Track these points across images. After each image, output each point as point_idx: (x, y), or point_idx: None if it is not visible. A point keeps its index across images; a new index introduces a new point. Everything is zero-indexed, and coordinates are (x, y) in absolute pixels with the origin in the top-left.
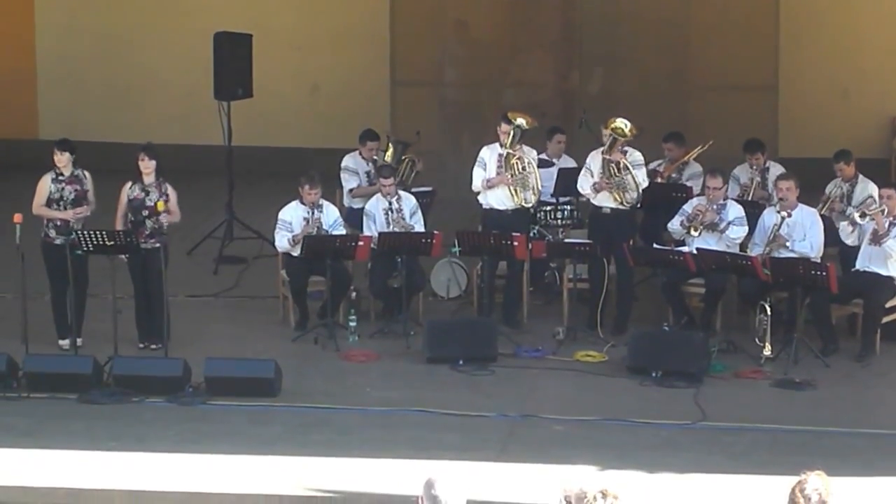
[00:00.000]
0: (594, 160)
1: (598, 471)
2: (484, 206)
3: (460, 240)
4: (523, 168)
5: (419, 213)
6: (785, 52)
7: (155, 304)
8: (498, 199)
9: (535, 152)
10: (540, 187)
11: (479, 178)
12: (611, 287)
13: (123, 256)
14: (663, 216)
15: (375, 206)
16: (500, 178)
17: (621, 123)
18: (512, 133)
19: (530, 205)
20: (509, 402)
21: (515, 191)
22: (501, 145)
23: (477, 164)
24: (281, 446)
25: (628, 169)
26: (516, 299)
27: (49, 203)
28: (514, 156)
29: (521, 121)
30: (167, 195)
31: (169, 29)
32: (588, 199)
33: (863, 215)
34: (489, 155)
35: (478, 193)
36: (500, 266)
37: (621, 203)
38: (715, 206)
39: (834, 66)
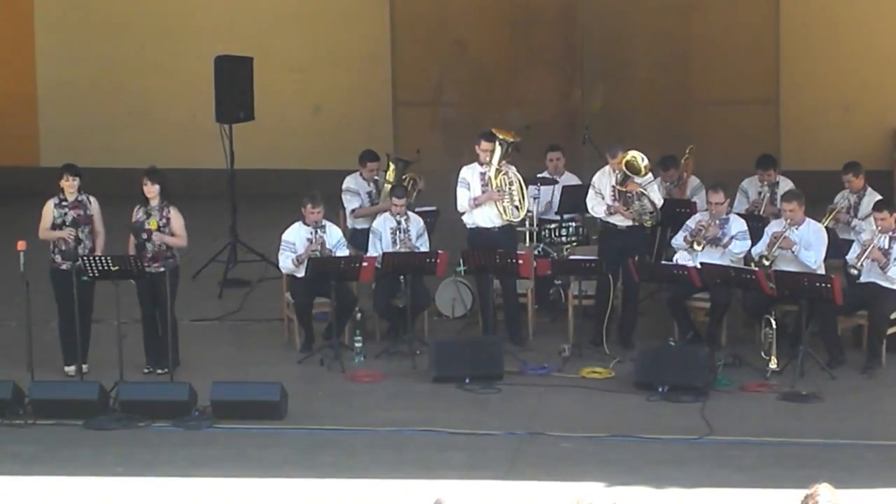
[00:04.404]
0: (601, 181)
1: (607, 487)
2: (469, 226)
3: (465, 259)
4: (510, 184)
5: (426, 235)
6: (786, 65)
7: (161, 328)
8: (485, 217)
9: (514, 168)
10: (526, 202)
11: (464, 197)
12: (617, 302)
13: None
14: (669, 232)
15: (383, 224)
16: (488, 196)
17: (637, 157)
18: (498, 149)
19: (518, 220)
20: (516, 420)
21: (504, 207)
22: (481, 164)
23: (459, 184)
24: (288, 469)
25: (644, 194)
26: (517, 316)
27: (53, 228)
28: (501, 171)
29: (502, 137)
30: (167, 218)
31: (170, 53)
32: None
33: (859, 263)
34: (471, 174)
35: (462, 214)
36: (497, 285)
37: (640, 224)
38: (717, 221)
39: (835, 79)
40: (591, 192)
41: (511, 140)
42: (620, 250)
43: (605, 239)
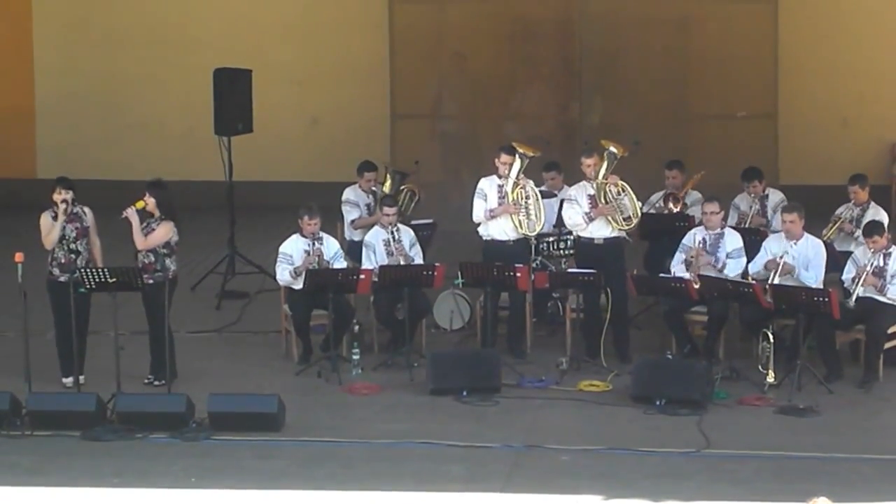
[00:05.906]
0: (580, 193)
1: (604, 500)
2: (485, 238)
3: (463, 271)
4: (527, 197)
5: (418, 245)
6: (784, 80)
7: (154, 339)
8: (500, 229)
9: (532, 182)
10: (543, 216)
11: (480, 208)
12: (605, 316)
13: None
14: (666, 246)
15: (375, 236)
16: (504, 208)
17: (612, 146)
18: (517, 163)
19: (535, 233)
20: (514, 433)
21: (520, 221)
22: (499, 176)
23: (476, 195)
24: (286, 481)
25: (626, 190)
26: (520, 330)
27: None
28: (519, 185)
29: (522, 151)
30: (152, 228)
31: (168, 66)
32: (575, 232)
33: (853, 297)
34: (489, 186)
35: (478, 225)
36: (504, 297)
37: (620, 228)
38: (713, 234)
39: (833, 93)
40: (565, 204)
41: (531, 154)
42: (600, 265)
43: (581, 255)
